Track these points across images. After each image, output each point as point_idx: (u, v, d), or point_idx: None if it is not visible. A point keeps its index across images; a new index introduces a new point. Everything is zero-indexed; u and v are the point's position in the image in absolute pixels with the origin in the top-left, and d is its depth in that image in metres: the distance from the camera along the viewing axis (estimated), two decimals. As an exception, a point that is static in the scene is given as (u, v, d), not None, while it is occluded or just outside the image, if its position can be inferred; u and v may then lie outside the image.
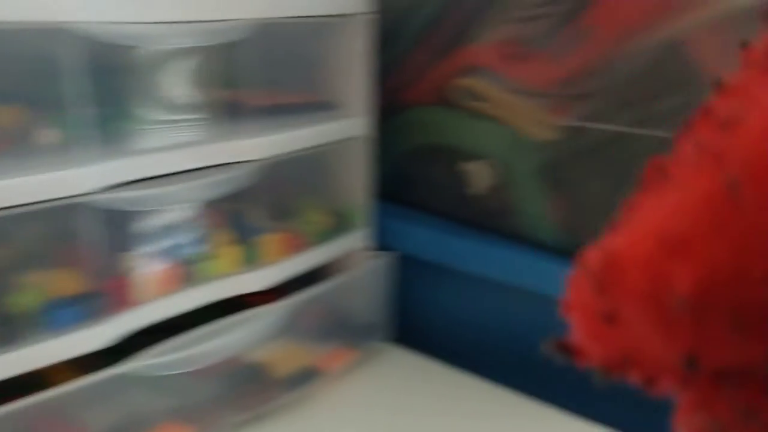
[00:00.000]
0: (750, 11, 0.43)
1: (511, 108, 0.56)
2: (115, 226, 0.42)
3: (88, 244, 0.41)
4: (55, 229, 0.41)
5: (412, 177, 0.65)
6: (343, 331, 0.57)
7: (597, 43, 0.50)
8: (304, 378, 0.53)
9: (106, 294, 0.42)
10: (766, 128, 0.15)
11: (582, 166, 0.53)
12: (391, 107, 0.65)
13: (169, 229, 0.46)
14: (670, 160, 0.18)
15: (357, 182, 0.58)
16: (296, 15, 0.49)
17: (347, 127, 0.55)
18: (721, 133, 0.16)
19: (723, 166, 0.16)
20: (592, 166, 0.52)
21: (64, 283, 0.41)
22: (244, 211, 0.49)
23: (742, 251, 0.15)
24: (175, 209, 0.46)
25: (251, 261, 0.49)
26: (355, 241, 0.58)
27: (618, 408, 0.53)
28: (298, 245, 0.52)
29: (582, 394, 0.54)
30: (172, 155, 0.43)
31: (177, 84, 0.46)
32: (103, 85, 0.40)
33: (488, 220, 0.60)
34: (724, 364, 0.17)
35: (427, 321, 0.64)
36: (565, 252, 0.55)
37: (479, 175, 0.60)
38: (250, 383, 0.50)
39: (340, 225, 0.56)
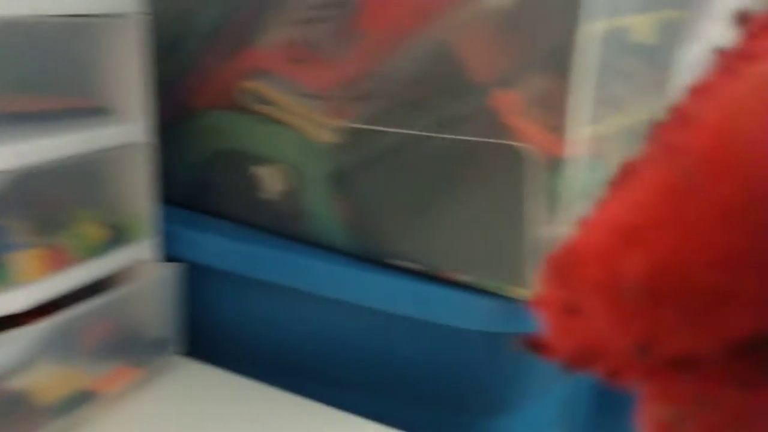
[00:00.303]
0: (506, 12, 0.45)
1: (296, 111, 0.56)
2: None
3: None
4: None
5: (206, 183, 0.63)
6: (126, 347, 0.54)
7: (370, 45, 0.51)
8: (77, 402, 0.50)
9: None
10: (720, 121, 0.16)
11: (369, 169, 0.53)
12: (182, 111, 0.62)
13: None
14: (637, 160, 0.18)
15: (138, 191, 0.55)
16: (47, 14, 0.46)
17: (123, 133, 0.52)
18: (680, 129, 0.17)
19: (678, 157, 0.16)
20: (380, 169, 0.53)
21: None
22: (-3, 226, 0.46)
23: (691, 237, 0.16)
24: None
25: (3, 281, 0.45)
26: (138, 253, 0.55)
27: (420, 414, 0.54)
28: (63, 261, 0.49)
29: (381, 401, 0.54)
30: None
31: None
32: None
33: (281, 225, 0.59)
34: (678, 352, 0.17)
35: (222, 331, 0.63)
36: (355, 255, 0.55)
37: (271, 180, 0.59)
38: (9, 414, 0.46)
39: (118, 237, 0.53)
